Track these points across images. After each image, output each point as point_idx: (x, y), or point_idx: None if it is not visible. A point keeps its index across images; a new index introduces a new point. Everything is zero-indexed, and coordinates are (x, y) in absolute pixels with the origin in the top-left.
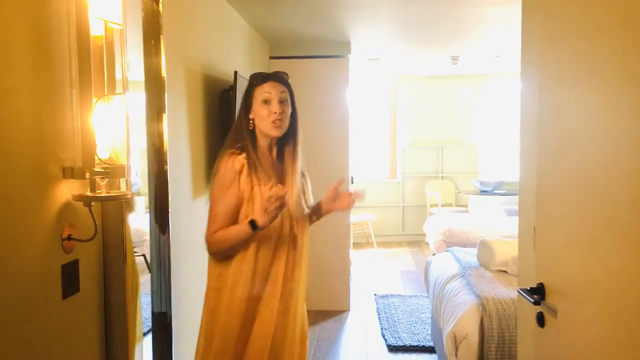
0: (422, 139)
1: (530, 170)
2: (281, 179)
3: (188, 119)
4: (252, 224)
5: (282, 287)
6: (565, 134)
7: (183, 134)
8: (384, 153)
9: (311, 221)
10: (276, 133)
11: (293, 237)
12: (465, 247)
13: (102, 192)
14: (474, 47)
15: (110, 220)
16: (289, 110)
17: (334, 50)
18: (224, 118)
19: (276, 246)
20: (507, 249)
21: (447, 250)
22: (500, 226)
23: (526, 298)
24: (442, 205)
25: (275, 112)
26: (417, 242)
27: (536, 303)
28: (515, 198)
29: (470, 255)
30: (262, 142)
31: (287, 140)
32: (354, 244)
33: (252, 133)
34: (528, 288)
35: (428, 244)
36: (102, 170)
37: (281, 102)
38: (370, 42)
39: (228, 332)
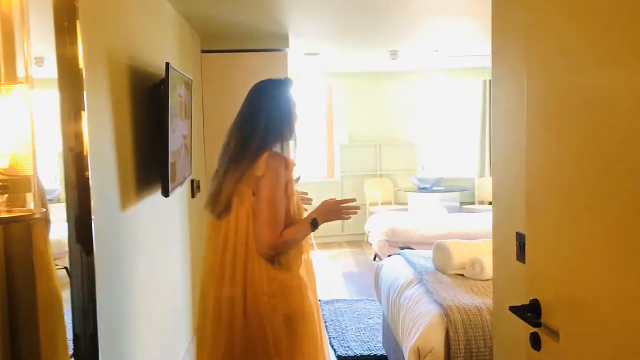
0: (360, 137)
1: (508, 172)
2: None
3: (113, 117)
4: (314, 223)
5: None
6: (565, 127)
7: (107, 135)
8: (321, 151)
9: None
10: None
11: None
12: (409, 245)
13: (1, 212)
14: (413, 41)
15: (15, 245)
16: None
17: (271, 43)
18: (155, 116)
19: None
20: (464, 251)
21: (398, 254)
22: (443, 224)
23: (522, 318)
24: (381, 204)
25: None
26: (357, 241)
27: (536, 324)
28: (455, 195)
29: (423, 259)
30: (287, 144)
31: (293, 144)
32: None
33: (282, 136)
34: (518, 305)
35: (370, 244)
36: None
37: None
38: (308, 35)
39: (314, 336)
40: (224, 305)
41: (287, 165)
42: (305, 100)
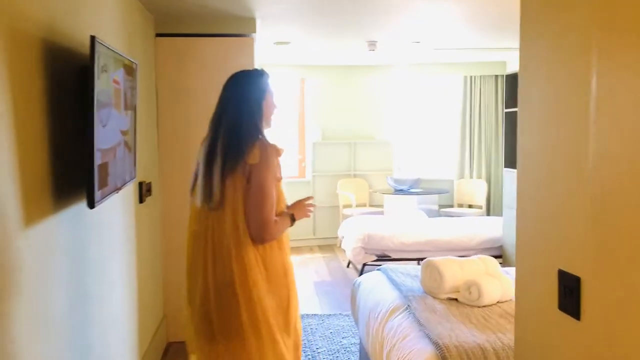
0: (333, 134)
1: (548, 185)
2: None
3: (13, 108)
4: (292, 218)
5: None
6: None
7: (3, 128)
8: (292, 149)
9: None
10: (270, 127)
11: None
12: (386, 253)
13: None
14: (393, 31)
15: None
16: None
17: (235, 27)
18: (81, 104)
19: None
20: (458, 271)
21: (379, 269)
22: (422, 230)
23: None
24: (356, 206)
25: (276, 108)
26: (329, 246)
27: None
28: (433, 197)
29: (409, 278)
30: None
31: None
32: None
33: (260, 124)
34: None
35: (344, 250)
36: None
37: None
38: (277, 20)
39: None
40: (213, 290)
41: (278, 152)
42: (275, 95)
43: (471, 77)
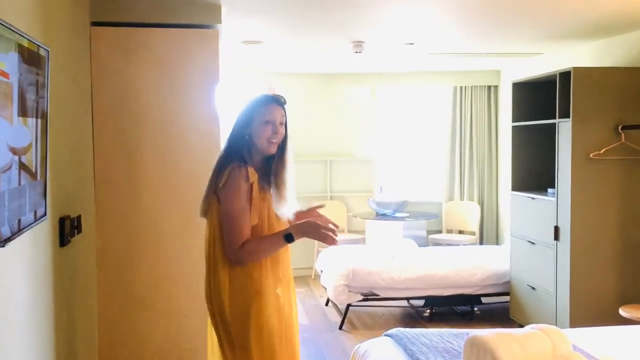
0: (307, 151)
1: None
2: (270, 191)
3: None
4: (288, 237)
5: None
6: None
7: None
8: None
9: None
10: (272, 151)
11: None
12: (373, 291)
13: None
14: (384, 29)
15: None
16: (282, 134)
17: (196, 16)
18: None
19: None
20: (518, 353)
21: (388, 335)
22: (414, 262)
23: None
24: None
25: (275, 133)
26: (303, 278)
27: None
28: (420, 222)
29: (434, 352)
30: (257, 157)
31: (275, 160)
32: None
33: (249, 149)
34: None
35: (325, 288)
36: None
37: (281, 124)
38: (247, 9)
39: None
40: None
41: (247, 176)
42: (240, 105)
43: (462, 87)
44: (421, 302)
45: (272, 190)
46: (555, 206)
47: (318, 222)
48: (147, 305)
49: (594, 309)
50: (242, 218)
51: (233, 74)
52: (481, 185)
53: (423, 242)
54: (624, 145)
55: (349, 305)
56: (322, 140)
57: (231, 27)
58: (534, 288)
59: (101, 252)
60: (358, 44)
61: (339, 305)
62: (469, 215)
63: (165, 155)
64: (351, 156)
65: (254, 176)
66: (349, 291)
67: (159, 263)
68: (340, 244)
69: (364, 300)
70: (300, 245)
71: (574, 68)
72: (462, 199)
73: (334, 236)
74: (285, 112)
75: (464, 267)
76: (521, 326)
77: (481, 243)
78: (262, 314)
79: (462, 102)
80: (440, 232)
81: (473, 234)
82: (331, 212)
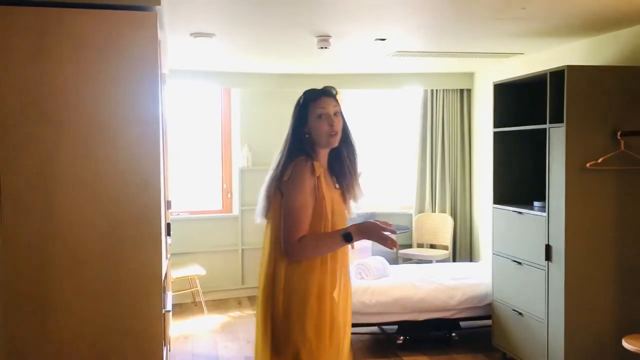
0: (266, 159)
1: None
2: (338, 186)
3: None
4: (347, 237)
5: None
6: None
7: None
8: (214, 176)
9: None
10: (334, 144)
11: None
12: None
13: None
14: (353, 21)
15: None
16: (340, 123)
17: None
18: None
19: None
20: None
21: None
22: (386, 284)
23: None
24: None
25: (332, 126)
26: None
27: None
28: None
29: None
30: (322, 153)
31: (341, 151)
32: (174, 306)
33: (312, 146)
34: None
35: None
36: None
37: (336, 115)
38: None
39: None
40: (260, 301)
41: (313, 170)
42: (189, 109)
43: (433, 91)
44: (394, 327)
45: (342, 185)
46: (546, 222)
47: (378, 223)
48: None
49: (591, 339)
50: (302, 212)
51: (181, 75)
52: (454, 196)
53: (393, 258)
54: (624, 154)
55: None
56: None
57: (176, 14)
58: (521, 314)
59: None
60: (324, 39)
61: None
62: (441, 228)
63: (90, 166)
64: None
65: (320, 170)
66: None
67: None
68: None
69: None
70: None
71: (568, 66)
72: (433, 210)
73: (394, 238)
74: (337, 102)
75: (442, 288)
76: (505, 355)
77: (454, 258)
78: (314, 316)
79: (434, 106)
80: (410, 246)
81: (446, 248)
82: None
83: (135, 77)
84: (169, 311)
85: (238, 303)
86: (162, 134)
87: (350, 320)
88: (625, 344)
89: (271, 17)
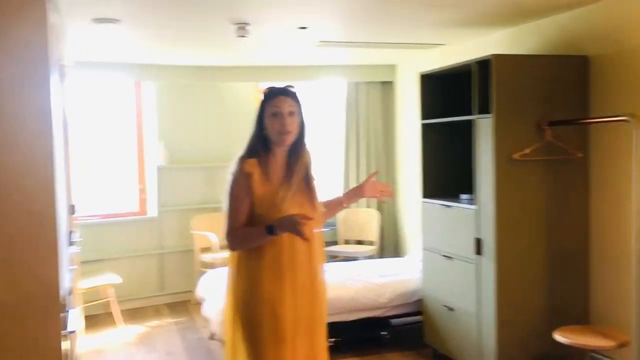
0: (184, 157)
1: None
2: (291, 185)
3: None
4: (270, 229)
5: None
6: None
7: None
8: (129, 176)
9: (337, 210)
10: (286, 143)
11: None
12: None
13: None
14: (271, 8)
15: None
16: (296, 122)
17: None
18: None
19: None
20: None
21: None
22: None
23: None
24: (221, 250)
25: (284, 125)
26: (182, 304)
27: None
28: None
29: None
30: (278, 151)
31: (297, 150)
32: (86, 319)
33: (266, 143)
34: None
35: (208, 320)
36: None
37: (291, 114)
38: None
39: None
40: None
41: (244, 166)
42: (100, 104)
43: (356, 83)
44: None
45: (292, 183)
46: (475, 215)
47: (296, 217)
48: None
49: (523, 332)
50: (234, 205)
51: (88, 64)
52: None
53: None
54: (550, 144)
55: None
56: (202, 144)
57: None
58: (452, 309)
59: None
60: (242, 27)
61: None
62: (367, 223)
63: None
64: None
65: (253, 167)
66: None
67: None
68: (226, 265)
69: None
70: (178, 264)
71: (494, 55)
72: (359, 205)
73: (306, 232)
74: (296, 101)
75: (371, 286)
76: (436, 352)
77: (381, 254)
78: (251, 308)
79: (357, 99)
80: (336, 243)
81: (373, 244)
82: (215, 226)
83: (20, 67)
84: (72, 332)
85: (156, 311)
86: (63, 131)
87: (313, 317)
88: (556, 336)
89: (183, 1)
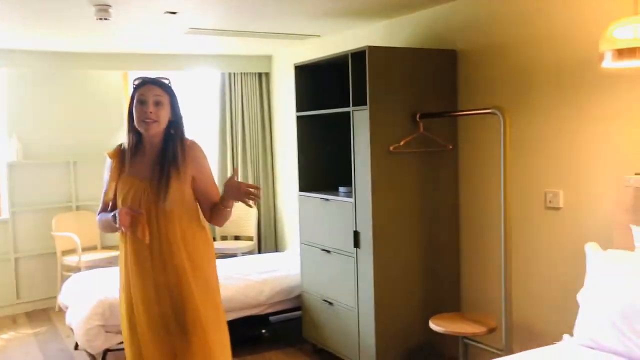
0: (41, 151)
1: None
2: (144, 177)
3: None
4: (114, 217)
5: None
6: None
7: None
8: None
9: (222, 212)
10: (148, 132)
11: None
12: None
13: None
14: None
15: None
16: (164, 112)
17: None
18: None
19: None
20: None
21: None
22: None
23: None
24: (83, 251)
25: (145, 113)
26: (43, 312)
27: None
28: None
29: None
30: (147, 141)
31: (169, 142)
32: None
33: (138, 133)
34: None
35: (72, 328)
36: None
37: (157, 104)
38: None
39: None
40: None
41: (108, 153)
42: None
43: (231, 74)
44: None
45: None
46: (353, 208)
47: (124, 210)
48: None
49: (400, 322)
50: (104, 189)
51: None
52: (257, 184)
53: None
54: (423, 136)
55: (106, 351)
56: (62, 137)
57: None
58: (331, 303)
59: None
60: (103, 8)
61: (91, 351)
62: (245, 218)
63: None
64: (101, 155)
65: (113, 155)
66: (106, 332)
67: None
68: (90, 267)
69: None
70: (38, 269)
71: (369, 47)
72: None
73: (143, 229)
74: (167, 92)
75: (250, 284)
76: (315, 347)
77: (260, 249)
78: (120, 295)
79: (232, 90)
80: (214, 239)
81: (251, 239)
82: (80, 226)
83: None
84: None
85: (13, 322)
86: None
87: (177, 314)
88: (431, 324)
89: None
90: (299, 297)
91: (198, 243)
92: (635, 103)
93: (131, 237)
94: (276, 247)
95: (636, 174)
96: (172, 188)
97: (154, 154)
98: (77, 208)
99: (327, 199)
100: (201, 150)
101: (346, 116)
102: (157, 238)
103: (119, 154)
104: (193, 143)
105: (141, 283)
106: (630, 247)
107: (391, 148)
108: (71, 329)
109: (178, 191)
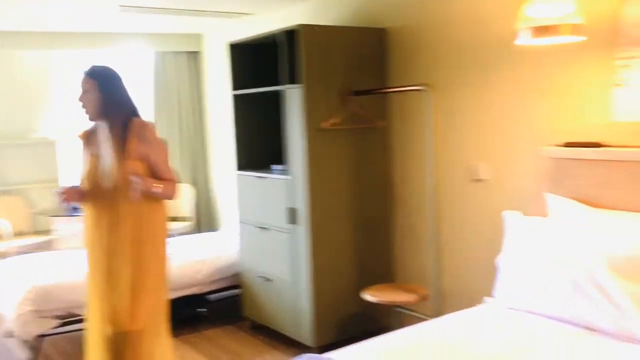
0: None
1: None
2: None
3: None
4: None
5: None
6: None
7: None
8: None
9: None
10: (89, 118)
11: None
12: (74, 311)
13: None
14: None
15: None
16: (90, 97)
17: None
18: None
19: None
20: None
21: None
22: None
23: None
24: (15, 237)
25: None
26: None
27: None
28: None
29: None
30: (100, 125)
31: (110, 125)
32: None
33: None
34: None
35: (1, 316)
36: None
37: (85, 92)
38: None
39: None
40: None
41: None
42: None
43: (163, 53)
44: None
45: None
46: (288, 185)
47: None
48: None
49: (336, 295)
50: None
51: None
52: (194, 165)
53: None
54: (356, 113)
55: (41, 337)
56: None
57: None
58: (269, 279)
59: None
60: None
61: (26, 337)
62: (182, 199)
63: None
64: (26, 138)
65: (81, 137)
66: (39, 317)
67: None
68: (21, 252)
69: (65, 324)
70: None
71: (302, 25)
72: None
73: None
74: (92, 78)
75: (188, 263)
76: (255, 323)
77: (198, 230)
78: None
79: (165, 69)
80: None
81: (187, 220)
82: (8, 211)
83: None
84: None
85: None
86: None
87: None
88: (365, 295)
89: None
90: (237, 275)
91: (146, 216)
92: (547, 78)
93: (89, 208)
94: (214, 226)
95: (563, 145)
96: (112, 166)
97: (104, 134)
98: (5, 192)
99: (263, 177)
100: (150, 130)
101: (280, 94)
102: (108, 210)
103: (86, 136)
104: (142, 123)
105: (93, 248)
106: (545, 214)
107: (323, 125)
108: (1, 316)
109: (121, 168)
